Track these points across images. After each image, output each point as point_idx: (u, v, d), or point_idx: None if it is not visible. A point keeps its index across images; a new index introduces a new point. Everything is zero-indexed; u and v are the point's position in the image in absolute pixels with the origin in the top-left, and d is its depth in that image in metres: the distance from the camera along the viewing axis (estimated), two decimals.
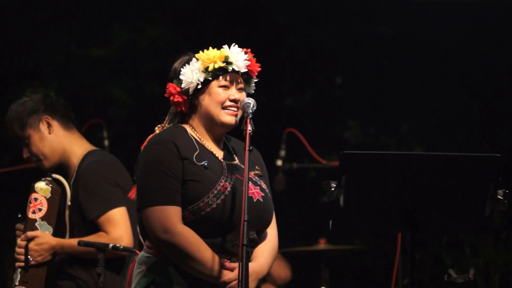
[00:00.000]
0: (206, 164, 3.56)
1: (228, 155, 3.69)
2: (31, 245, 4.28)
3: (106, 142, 5.78)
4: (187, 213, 3.52)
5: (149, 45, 8.02)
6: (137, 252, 4.15)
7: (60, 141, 4.50)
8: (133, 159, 4.44)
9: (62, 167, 4.51)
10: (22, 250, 4.28)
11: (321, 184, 3.18)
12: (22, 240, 4.29)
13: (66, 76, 7.95)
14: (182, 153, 3.56)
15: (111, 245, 4.11)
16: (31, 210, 4.33)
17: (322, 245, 5.83)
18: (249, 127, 3.45)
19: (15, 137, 4.48)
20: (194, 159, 3.56)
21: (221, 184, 3.53)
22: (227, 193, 3.52)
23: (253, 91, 3.75)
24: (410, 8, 7.98)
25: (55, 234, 4.37)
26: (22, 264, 4.27)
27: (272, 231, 3.69)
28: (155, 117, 3.67)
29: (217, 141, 3.69)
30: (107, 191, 4.34)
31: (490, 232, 3.29)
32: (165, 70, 3.71)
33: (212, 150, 3.65)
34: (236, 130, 3.69)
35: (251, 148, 3.42)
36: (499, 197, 3.19)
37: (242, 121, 3.61)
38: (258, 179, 3.68)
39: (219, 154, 3.67)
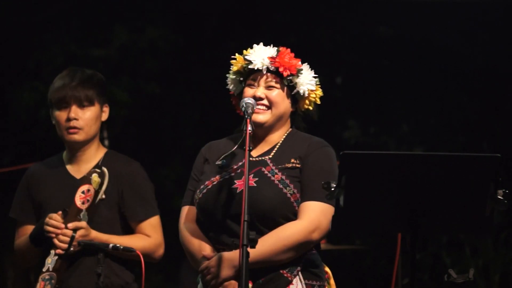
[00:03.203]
0: (222, 163, 3.59)
1: (266, 152, 3.64)
2: (76, 235, 4.23)
3: (106, 142, 5.76)
4: None
5: (149, 45, 8.01)
6: (138, 252, 4.15)
7: (99, 130, 4.51)
8: (133, 159, 4.45)
9: (71, 147, 4.42)
10: (67, 239, 4.21)
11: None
12: (70, 228, 4.23)
13: None
14: (206, 154, 3.67)
15: (111, 245, 4.10)
16: (81, 200, 4.31)
17: (322, 245, 5.80)
18: (249, 127, 3.43)
19: (83, 91, 4.35)
20: (216, 159, 3.61)
21: (211, 179, 3.57)
22: (210, 186, 3.55)
23: (301, 89, 3.75)
24: (410, 8, 7.98)
25: None
26: (62, 252, 4.20)
27: (295, 222, 3.55)
28: (155, 117, 3.67)
29: (260, 139, 3.66)
30: (153, 197, 4.40)
31: (490, 232, 3.29)
32: (165, 70, 3.71)
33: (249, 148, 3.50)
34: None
35: (251, 147, 3.41)
36: (499, 197, 3.19)
37: (242, 121, 3.61)
38: (275, 170, 3.55)
39: (255, 151, 3.63)
